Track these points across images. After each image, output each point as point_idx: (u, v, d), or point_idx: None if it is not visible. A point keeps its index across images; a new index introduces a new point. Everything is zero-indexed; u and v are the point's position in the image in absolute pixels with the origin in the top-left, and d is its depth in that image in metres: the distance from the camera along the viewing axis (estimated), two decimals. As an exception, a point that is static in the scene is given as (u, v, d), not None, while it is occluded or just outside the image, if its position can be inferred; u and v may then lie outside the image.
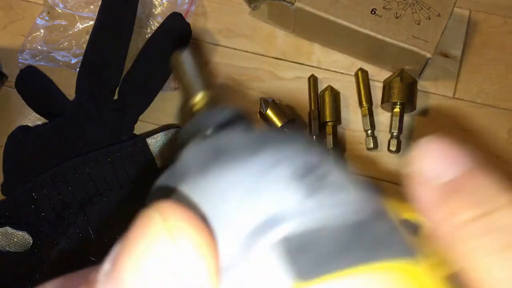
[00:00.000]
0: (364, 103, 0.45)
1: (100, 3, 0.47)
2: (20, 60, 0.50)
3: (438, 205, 0.12)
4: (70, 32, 0.51)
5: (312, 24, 0.46)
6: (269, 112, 0.44)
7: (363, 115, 0.45)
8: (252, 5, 0.50)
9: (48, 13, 0.52)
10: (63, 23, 0.51)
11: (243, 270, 0.11)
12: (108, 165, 0.41)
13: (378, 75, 0.47)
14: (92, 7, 0.52)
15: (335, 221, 0.11)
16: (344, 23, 0.44)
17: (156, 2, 0.51)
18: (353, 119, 0.46)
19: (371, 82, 0.46)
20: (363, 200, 0.12)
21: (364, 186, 0.13)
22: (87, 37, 0.47)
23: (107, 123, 0.45)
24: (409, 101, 0.43)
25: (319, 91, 0.46)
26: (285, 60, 0.49)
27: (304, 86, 0.47)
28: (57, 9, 0.52)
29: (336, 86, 0.46)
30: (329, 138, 0.44)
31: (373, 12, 0.44)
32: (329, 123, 0.44)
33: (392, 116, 0.44)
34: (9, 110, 0.50)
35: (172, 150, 0.43)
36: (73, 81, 0.46)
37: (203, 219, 0.11)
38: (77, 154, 0.42)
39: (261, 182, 0.12)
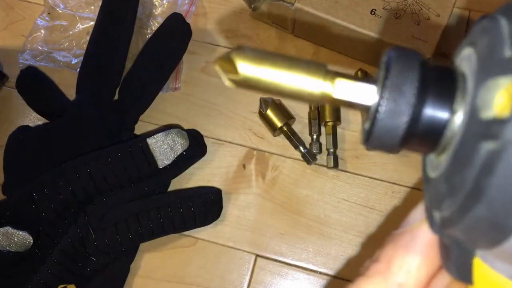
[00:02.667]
0: (364, 103, 0.45)
1: (100, 4, 0.47)
2: (20, 61, 0.50)
3: None
4: (71, 33, 0.51)
5: (312, 25, 0.46)
6: (269, 112, 0.44)
7: (363, 115, 0.45)
8: (252, 5, 0.50)
9: (49, 13, 0.52)
10: (64, 23, 0.52)
11: None
12: (109, 165, 0.41)
13: (378, 76, 0.47)
14: (92, 7, 0.52)
15: None
16: (344, 23, 0.44)
17: (157, 3, 0.51)
18: (353, 119, 0.46)
19: (371, 82, 0.46)
20: None
21: None
22: (88, 38, 0.47)
23: (107, 123, 0.45)
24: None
25: (319, 91, 0.47)
26: (285, 61, 0.49)
27: (304, 86, 0.47)
28: (58, 9, 0.52)
29: (336, 86, 0.46)
30: (329, 138, 0.44)
31: (372, 13, 0.44)
32: (329, 123, 0.44)
33: (391, 116, 0.44)
34: (9, 110, 0.50)
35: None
36: (74, 82, 0.47)
37: None
38: (77, 154, 0.42)
39: None
